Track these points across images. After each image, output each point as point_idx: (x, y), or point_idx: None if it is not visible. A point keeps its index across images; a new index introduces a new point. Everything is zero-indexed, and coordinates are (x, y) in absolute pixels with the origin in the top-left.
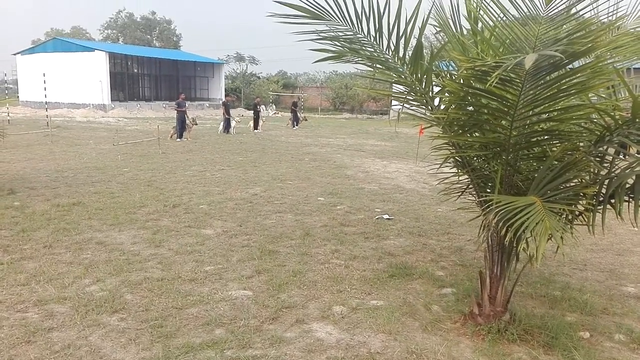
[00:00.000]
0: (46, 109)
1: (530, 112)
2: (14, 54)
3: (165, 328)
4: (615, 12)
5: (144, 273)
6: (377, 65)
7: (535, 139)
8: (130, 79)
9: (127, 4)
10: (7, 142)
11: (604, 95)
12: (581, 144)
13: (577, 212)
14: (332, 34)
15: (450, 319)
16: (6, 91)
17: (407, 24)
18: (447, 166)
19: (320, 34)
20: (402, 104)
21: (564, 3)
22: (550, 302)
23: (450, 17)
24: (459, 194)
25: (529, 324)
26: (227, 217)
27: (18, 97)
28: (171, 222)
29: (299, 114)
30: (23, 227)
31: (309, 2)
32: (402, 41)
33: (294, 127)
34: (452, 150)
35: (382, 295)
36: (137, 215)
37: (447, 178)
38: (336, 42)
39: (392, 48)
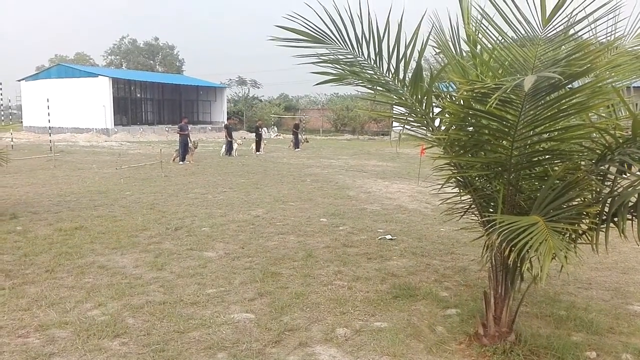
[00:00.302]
0: (49, 133)
1: (531, 132)
2: (18, 80)
3: (167, 352)
4: (613, 32)
5: (146, 297)
6: (378, 88)
7: (536, 159)
8: (134, 104)
9: (130, 30)
10: (10, 167)
11: (604, 115)
12: (582, 163)
13: (580, 231)
14: (332, 57)
15: (455, 340)
16: (10, 117)
17: (406, 47)
18: (449, 186)
19: (321, 57)
20: (403, 125)
21: (561, 24)
22: (556, 322)
23: (449, 40)
24: (462, 213)
25: (535, 344)
26: (229, 240)
27: (22, 122)
28: (173, 245)
29: (300, 136)
30: (25, 252)
31: (310, 27)
32: (402, 64)
33: (295, 148)
34: (454, 171)
35: (386, 317)
36: (139, 239)
37: (449, 198)
38: (337, 65)
39: (392, 70)
